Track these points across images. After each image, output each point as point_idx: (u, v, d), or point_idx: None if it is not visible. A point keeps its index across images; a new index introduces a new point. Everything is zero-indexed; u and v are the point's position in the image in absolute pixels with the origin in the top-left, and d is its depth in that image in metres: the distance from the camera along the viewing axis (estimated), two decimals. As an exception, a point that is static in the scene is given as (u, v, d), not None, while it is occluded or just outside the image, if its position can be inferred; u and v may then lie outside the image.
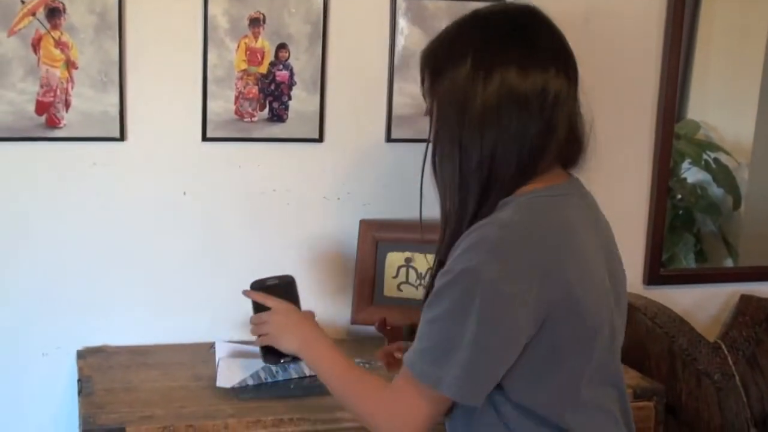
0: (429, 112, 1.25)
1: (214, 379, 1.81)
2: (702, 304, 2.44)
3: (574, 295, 1.15)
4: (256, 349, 1.87)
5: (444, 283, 1.14)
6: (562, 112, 1.19)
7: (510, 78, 1.15)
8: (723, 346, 2.30)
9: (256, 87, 1.99)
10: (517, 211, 1.17)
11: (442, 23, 2.05)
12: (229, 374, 1.81)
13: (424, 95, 1.25)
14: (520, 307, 1.13)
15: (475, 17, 1.22)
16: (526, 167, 1.19)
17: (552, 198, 1.20)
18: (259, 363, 1.79)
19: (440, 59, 1.20)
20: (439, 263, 1.21)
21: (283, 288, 1.35)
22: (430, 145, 1.24)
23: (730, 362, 2.26)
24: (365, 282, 2.11)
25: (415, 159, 2.03)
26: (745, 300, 2.40)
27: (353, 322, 2.08)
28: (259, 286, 1.40)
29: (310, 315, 1.43)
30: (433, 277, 1.22)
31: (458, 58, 1.17)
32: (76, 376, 1.87)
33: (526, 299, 1.13)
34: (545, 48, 1.18)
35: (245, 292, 1.44)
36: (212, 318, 2.06)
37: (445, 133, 1.20)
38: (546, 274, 1.14)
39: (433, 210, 2.09)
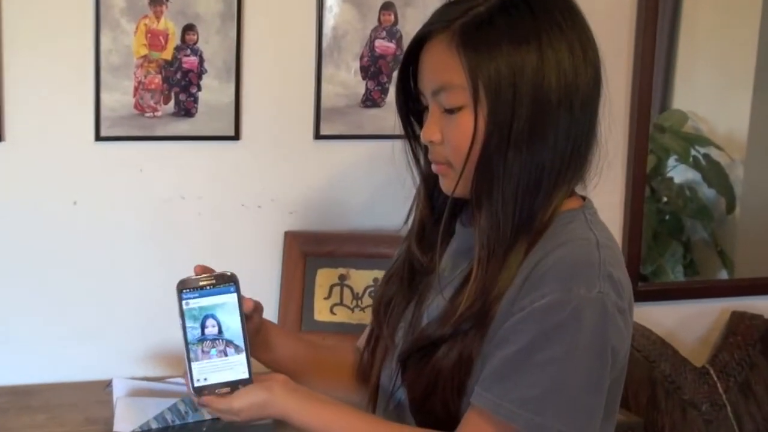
0: (452, 104, 1.19)
1: (111, 423, 1.79)
2: (687, 324, 2.47)
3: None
4: (162, 386, 1.92)
5: (560, 319, 1.12)
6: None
7: (577, 57, 1.17)
8: (712, 372, 2.33)
9: (159, 76, 2.00)
10: (596, 228, 1.20)
11: (378, -1, 2.10)
12: (129, 417, 1.79)
13: (443, 87, 1.19)
14: (628, 338, 1.20)
15: None
16: (583, 168, 1.22)
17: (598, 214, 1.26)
18: (164, 403, 1.79)
19: (489, 38, 1.15)
20: (482, 289, 1.18)
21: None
22: (471, 140, 1.17)
23: (720, 390, 2.30)
24: (291, 304, 2.10)
25: (348, 159, 2.16)
26: (737, 317, 2.42)
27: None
28: (188, 287, 1.24)
29: (282, 386, 1.25)
30: (458, 315, 1.18)
31: (519, 37, 1.15)
32: (-57, 423, 1.85)
33: (628, 328, 1.19)
34: (589, 29, 1.22)
35: (199, 401, 1.25)
36: (108, 350, 2.05)
37: (505, 126, 1.15)
38: (632, 301, 1.20)
39: (364, 219, 2.16)
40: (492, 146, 1.16)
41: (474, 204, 1.20)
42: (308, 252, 2.13)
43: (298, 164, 2.13)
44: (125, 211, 2.05)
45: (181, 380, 1.85)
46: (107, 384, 1.91)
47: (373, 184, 2.17)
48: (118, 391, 1.88)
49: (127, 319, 2.07)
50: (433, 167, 1.25)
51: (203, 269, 1.28)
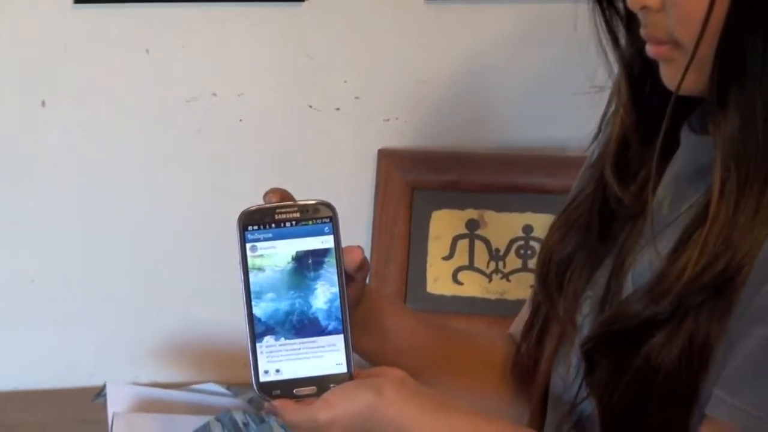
0: None
1: (107, 449, 1.75)
2: None
3: None
4: (184, 396, 1.87)
5: None
6: None
7: None
8: None
9: None
10: None
11: None
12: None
13: None
14: None
15: None
16: None
17: None
18: (188, 423, 1.71)
19: None
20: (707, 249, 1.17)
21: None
22: (709, 3, 1.16)
23: None
24: (390, 267, 2.09)
25: (483, 31, 2.19)
26: None
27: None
28: (257, 223, 1.24)
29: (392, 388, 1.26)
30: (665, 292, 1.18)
31: None
32: None
33: None
34: None
35: (267, 406, 1.29)
36: (99, 341, 2.06)
37: None
38: None
39: (510, 131, 2.21)
40: (743, 11, 1.15)
41: (716, 103, 1.18)
42: (417, 183, 2.10)
43: (399, 40, 2.09)
44: (123, 116, 2.03)
45: (213, 386, 1.85)
46: (98, 392, 1.73)
47: (527, 74, 2.14)
48: (115, 403, 1.71)
49: (127, 291, 2.07)
50: (648, 48, 1.23)
51: (281, 194, 1.25)
